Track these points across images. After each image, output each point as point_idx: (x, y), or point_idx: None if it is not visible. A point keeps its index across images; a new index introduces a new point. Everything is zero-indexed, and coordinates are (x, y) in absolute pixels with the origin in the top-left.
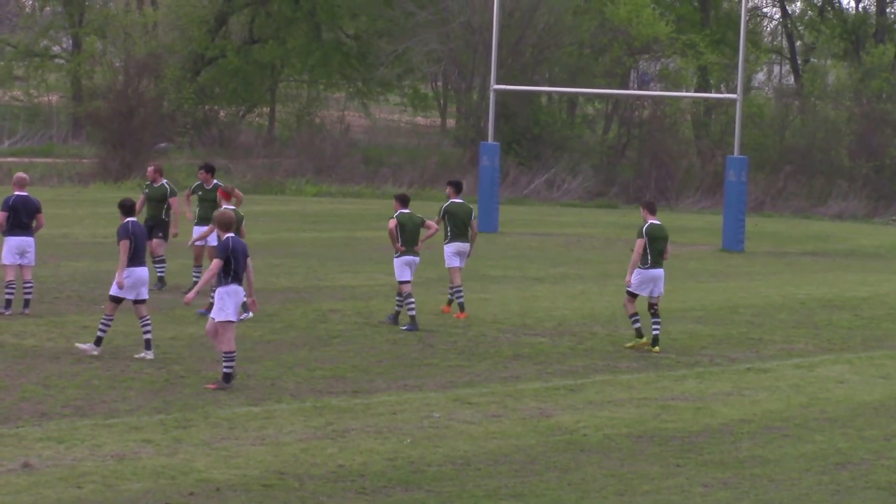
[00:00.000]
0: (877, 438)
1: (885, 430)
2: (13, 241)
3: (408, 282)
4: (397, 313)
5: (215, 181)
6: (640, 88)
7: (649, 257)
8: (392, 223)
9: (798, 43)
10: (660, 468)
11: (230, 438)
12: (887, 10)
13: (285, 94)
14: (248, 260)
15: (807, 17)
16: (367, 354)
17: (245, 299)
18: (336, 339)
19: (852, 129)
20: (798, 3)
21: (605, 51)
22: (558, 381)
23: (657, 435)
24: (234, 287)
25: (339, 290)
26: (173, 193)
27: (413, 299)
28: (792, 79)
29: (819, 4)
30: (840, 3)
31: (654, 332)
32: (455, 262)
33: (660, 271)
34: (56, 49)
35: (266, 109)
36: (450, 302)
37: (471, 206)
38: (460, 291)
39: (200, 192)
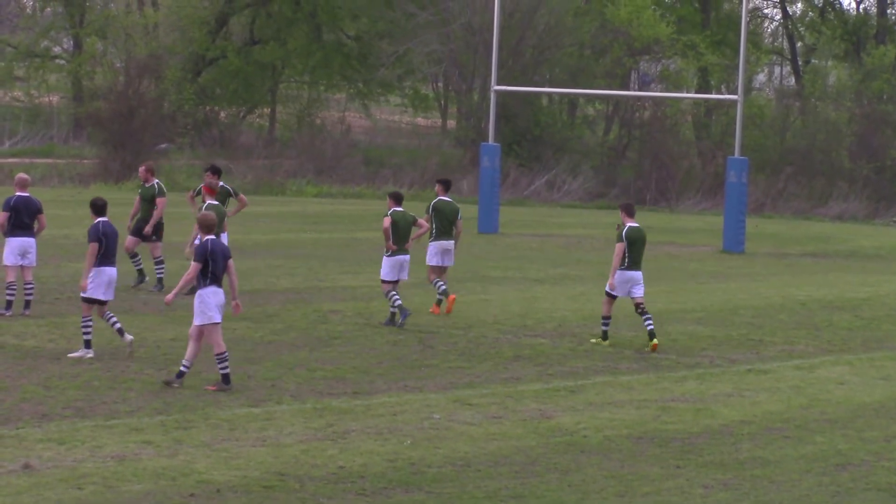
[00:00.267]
0: (877, 440)
1: (885, 432)
2: (15, 242)
3: (392, 282)
4: (393, 314)
5: (221, 183)
6: (640, 89)
7: (627, 260)
8: (387, 221)
9: (799, 44)
10: (660, 469)
11: (230, 440)
12: (888, 11)
13: (286, 94)
14: (230, 262)
15: (807, 19)
16: (367, 355)
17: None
18: (336, 341)
19: (853, 130)
20: (799, 5)
21: (605, 52)
22: (559, 383)
23: (657, 436)
24: (212, 289)
25: (339, 291)
26: (161, 193)
27: (396, 294)
28: (793, 80)
29: (820, 5)
30: (841, 4)
31: (649, 328)
32: (435, 262)
33: (638, 273)
34: (57, 50)
35: (267, 110)
36: (439, 302)
37: (458, 204)
38: (439, 283)
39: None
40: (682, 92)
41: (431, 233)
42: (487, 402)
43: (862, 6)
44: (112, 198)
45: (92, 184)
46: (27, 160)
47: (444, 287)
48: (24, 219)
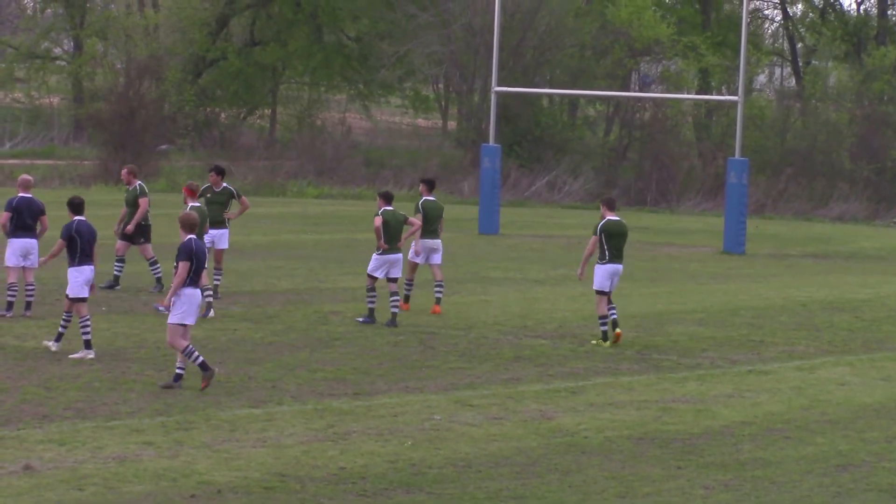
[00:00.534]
0: (878, 440)
1: (886, 433)
2: (17, 243)
3: (376, 278)
4: (394, 315)
5: (224, 184)
6: (641, 90)
7: (607, 253)
8: (378, 221)
9: (799, 45)
10: (661, 470)
11: (231, 440)
12: (888, 12)
13: (286, 96)
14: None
15: (808, 20)
16: (368, 356)
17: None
18: (337, 341)
19: (853, 131)
20: (799, 6)
21: (606, 53)
22: (559, 384)
23: (658, 437)
24: (190, 290)
25: (340, 291)
26: (143, 193)
27: (375, 294)
28: (793, 81)
29: (820, 6)
30: (841, 5)
31: (613, 317)
32: (419, 260)
33: (619, 266)
34: (57, 51)
35: (267, 111)
36: (438, 301)
37: (442, 204)
38: (410, 284)
39: (209, 195)
40: (682, 93)
41: None
42: (488, 402)
43: (862, 7)
44: (113, 199)
45: (92, 185)
46: (28, 161)
47: (408, 293)
48: (26, 220)
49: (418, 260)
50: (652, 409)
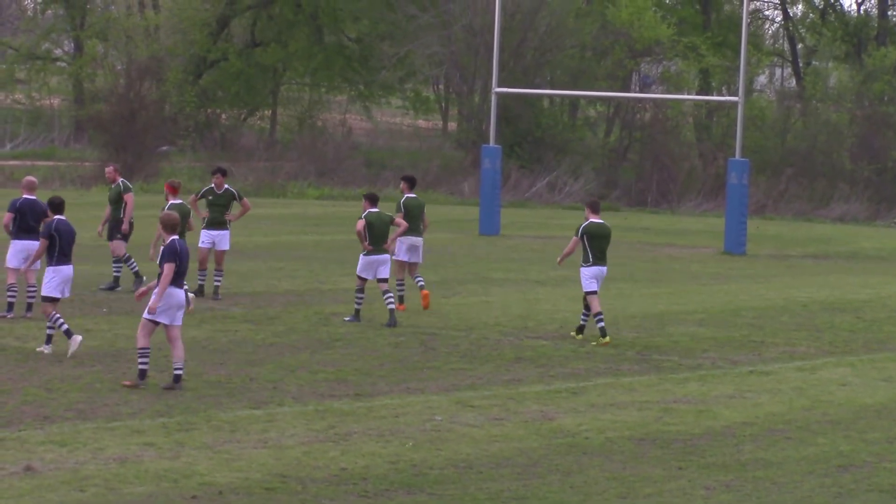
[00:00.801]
0: (879, 441)
1: (887, 433)
2: (19, 245)
3: (366, 279)
4: (392, 311)
5: (227, 186)
6: (641, 91)
7: (591, 255)
8: (360, 224)
9: (800, 45)
10: (662, 471)
11: (232, 441)
12: (889, 12)
13: (287, 97)
14: None
15: (808, 20)
16: (369, 357)
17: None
18: (338, 342)
19: (854, 131)
20: (799, 6)
21: (606, 53)
22: (560, 384)
23: (659, 438)
24: (171, 289)
25: (340, 293)
26: (127, 189)
27: (363, 295)
28: (793, 81)
29: (821, 7)
30: (842, 5)
31: (582, 322)
32: (403, 258)
33: (603, 268)
34: (58, 52)
35: (268, 112)
36: (421, 287)
37: (423, 201)
38: (402, 284)
39: (211, 197)
40: (683, 93)
41: None
42: (489, 403)
43: (863, 8)
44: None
45: (93, 186)
46: (28, 163)
47: (402, 293)
48: (29, 222)
49: (405, 258)
50: (653, 410)
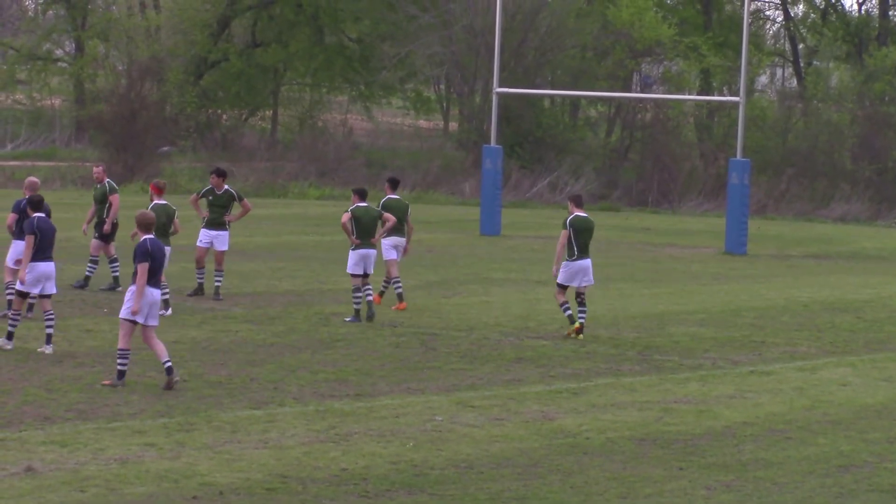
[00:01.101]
0: (880, 441)
1: (888, 433)
2: (20, 246)
3: (360, 276)
4: (370, 303)
5: (226, 187)
6: (642, 91)
7: (575, 249)
8: (345, 217)
9: (801, 46)
10: (662, 471)
11: (233, 442)
12: (890, 12)
13: (288, 97)
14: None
15: (809, 20)
16: (369, 358)
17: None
18: (339, 343)
19: (855, 131)
20: (801, 6)
21: (607, 54)
22: (561, 385)
23: (660, 438)
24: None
25: (341, 293)
26: (113, 190)
27: (360, 294)
28: (794, 81)
29: (822, 7)
30: (843, 5)
31: (581, 320)
32: (392, 255)
33: (586, 262)
34: (59, 52)
35: (269, 113)
36: (381, 294)
37: (407, 202)
38: (398, 282)
39: (211, 197)
40: (684, 94)
41: None
42: (490, 403)
43: (864, 8)
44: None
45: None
46: (29, 163)
47: (399, 290)
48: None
49: (394, 255)
50: (654, 410)
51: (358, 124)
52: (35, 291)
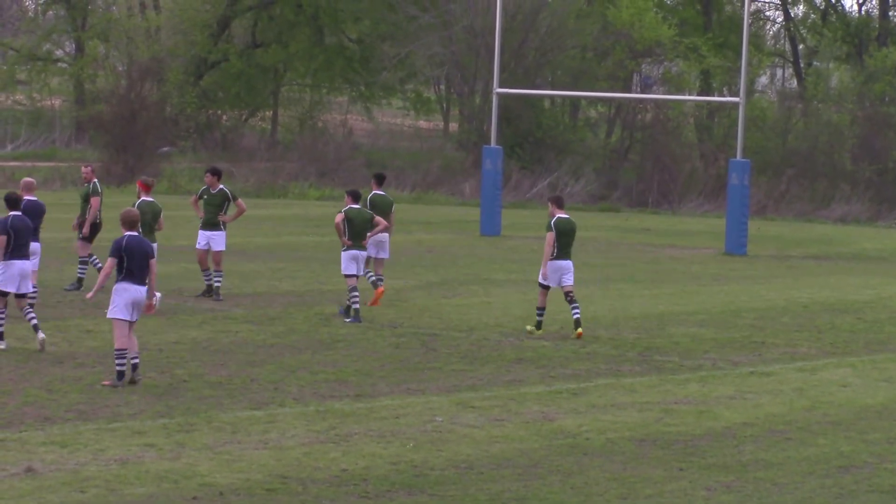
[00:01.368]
0: (880, 442)
1: (888, 434)
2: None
3: (354, 276)
4: (348, 308)
5: (221, 186)
6: (642, 92)
7: (556, 250)
8: (339, 218)
9: (801, 46)
10: (662, 472)
11: (233, 442)
12: (890, 13)
13: (288, 97)
14: (152, 261)
15: (809, 21)
16: (369, 358)
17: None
18: (339, 343)
19: (855, 132)
20: (801, 7)
21: (607, 54)
22: (561, 385)
23: (660, 438)
24: (123, 285)
25: (341, 294)
26: (95, 192)
27: (357, 293)
28: (795, 82)
29: (822, 8)
30: (843, 6)
31: (575, 316)
32: (371, 252)
33: (567, 262)
34: (59, 53)
35: (269, 113)
36: (375, 286)
37: (391, 199)
38: (370, 273)
39: (206, 196)
40: (684, 94)
41: None
42: (490, 404)
43: (864, 8)
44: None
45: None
46: (29, 163)
47: (373, 279)
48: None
49: (372, 252)
50: (654, 411)
51: (358, 125)
52: (11, 290)
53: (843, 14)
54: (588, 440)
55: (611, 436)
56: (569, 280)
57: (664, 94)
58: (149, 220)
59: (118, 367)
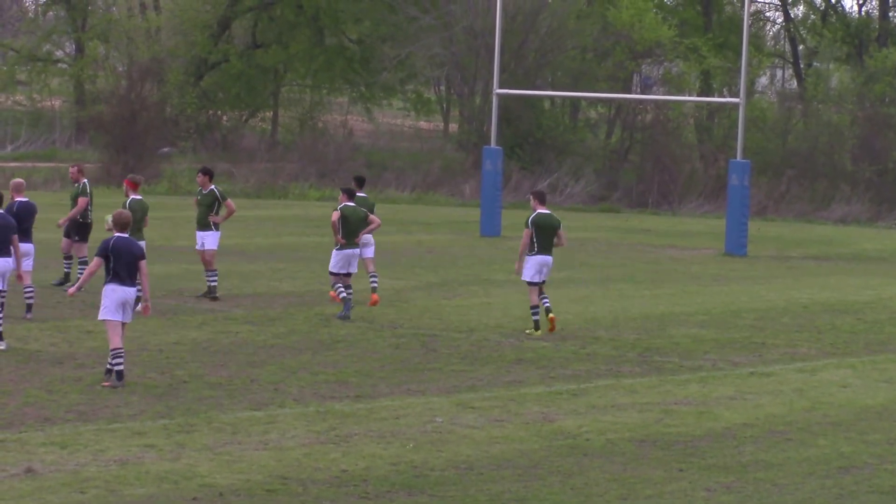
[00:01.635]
0: (880, 442)
1: (888, 435)
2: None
3: (348, 275)
4: (345, 315)
5: (212, 186)
6: (642, 92)
7: (536, 245)
8: (335, 215)
9: (801, 47)
10: (663, 472)
11: (233, 443)
12: (890, 14)
13: (288, 98)
14: (142, 262)
15: (809, 21)
16: (370, 359)
17: (136, 299)
18: (339, 344)
19: (855, 132)
20: (801, 7)
21: (607, 55)
22: (561, 386)
23: (660, 439)
24: (111, 286)
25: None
26: (83, 193)
27: (350, 290)
28: (794, 83)
29: (822, 8)
30: (843, 6)
31: (545, 305)
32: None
33: (548, 258)
34: (59, 54)
35: (269, 114)
36: (374, 290)
37: (372, 201)
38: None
39: (198, 197)
40: (684, 95)
41: None
42: (490, 405)
43: (864, 9)
44: (114, 202)
45: (94, 188)
46: (29, 164)
47: (374, 285)
48: (23, 224)
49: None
50: (654, 412)
51: (358, 125)
52: None
53: (843, 15)
54: (588, 441)
55: (611, 436)
56: (546, 275)
57: (664, 94)
58: (139, 217)
59: (117, 368)
